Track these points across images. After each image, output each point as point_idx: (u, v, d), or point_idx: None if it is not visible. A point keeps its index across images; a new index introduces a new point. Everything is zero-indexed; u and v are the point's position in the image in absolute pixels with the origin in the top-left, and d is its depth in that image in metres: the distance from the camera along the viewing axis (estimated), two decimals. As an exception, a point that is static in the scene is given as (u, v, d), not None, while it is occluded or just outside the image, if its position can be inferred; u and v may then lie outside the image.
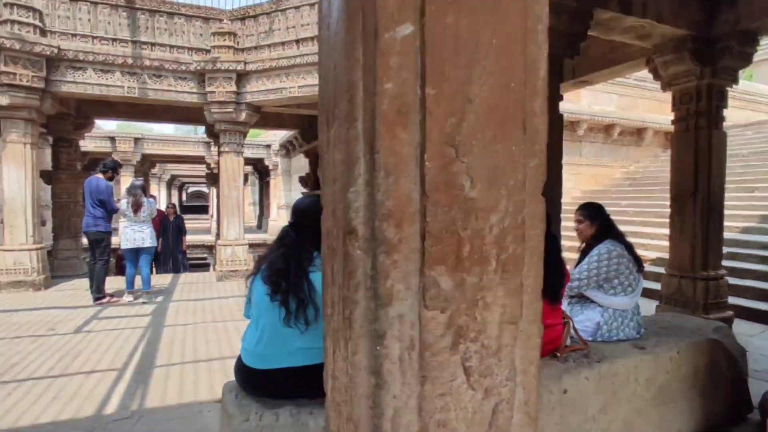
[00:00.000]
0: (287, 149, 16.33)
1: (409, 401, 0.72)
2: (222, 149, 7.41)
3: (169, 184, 29.46)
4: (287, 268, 1.67)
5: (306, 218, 1.80)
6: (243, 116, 7.23)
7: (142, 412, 2.82)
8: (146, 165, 17.95)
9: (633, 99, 12.21)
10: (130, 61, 6.83)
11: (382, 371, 0.72)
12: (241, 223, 7.46)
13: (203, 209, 36.22)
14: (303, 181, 10.04)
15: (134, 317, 5.07)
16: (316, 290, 1.64)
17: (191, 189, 42.28)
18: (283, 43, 6.86)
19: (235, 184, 7.37)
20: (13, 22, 6.13)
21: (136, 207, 5.72)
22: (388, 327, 0.71)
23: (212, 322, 4.85)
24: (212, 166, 15.96)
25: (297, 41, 6.77)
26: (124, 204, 5.78)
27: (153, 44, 7.02)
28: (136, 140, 15.38)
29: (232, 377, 3.36)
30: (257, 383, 1.70)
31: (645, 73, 10.96)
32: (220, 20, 7.23)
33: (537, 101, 0.79)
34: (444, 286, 0.72)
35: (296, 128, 10.15)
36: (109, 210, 5.78)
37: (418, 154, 0.71)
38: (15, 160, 6.41)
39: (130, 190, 5.86)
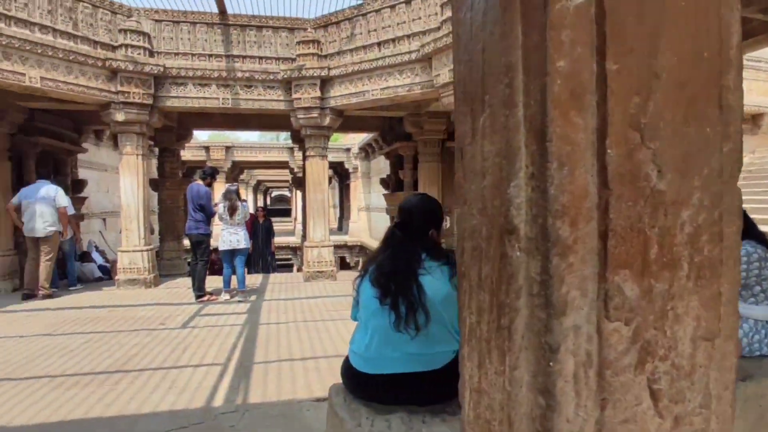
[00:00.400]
0: (366, 152, 16.59)
1: (585, 427, 0.62)
2: (307, 153, 7.66)
3: (255, 189, 31.21)
4: (396, 271, 1.62)
5: (413, 218, 1.75)
6: (327, 121, 7.41)
7: (246, 407, 2.94)
8: (236, 171, 19.14)
9: (746, 82, 10.90)
10: (224, 74, 7.27)
11: (553, 391, 0.63)
12: (326, 225, 7.65)
13: (286, 212, 37.95)
14: (384, 182, 10.10)
15: (232, 315, 5.37)
16: (426, 294, 1.58)
17: (274, 193, 44.55)
18: (364, 47, 6.94)
19: (320, 187, 7.58)
20: (127, 46, 6.77)
21: (232, 211, 6.06)
22: (561, 340, 0.62)
23: (303, 322, 5.00)
24: (295, 170, 16.64)
25: (378, 44, 6.82)
26: (221, 208, 6.14)
27: (244, 57, 7.42)
28: (227, 148, 16.44)
29: (326, 376, 3.44)
30: (366, 387, 1.67)
31: (761, 53, 9.73)
32: (305, 29, 7.49)
33: (731, 73, 0.66)
34: (629, 294, 0.62)
35: (377, 131, 10.26)
36: (208, 214, 6.19)
37: (595, 141, 0.61)
38: (129, 170, 7.08)
39: (226, 195, 6.22)
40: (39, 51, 5.94)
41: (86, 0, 6.53)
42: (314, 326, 4.80)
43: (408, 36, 6.55)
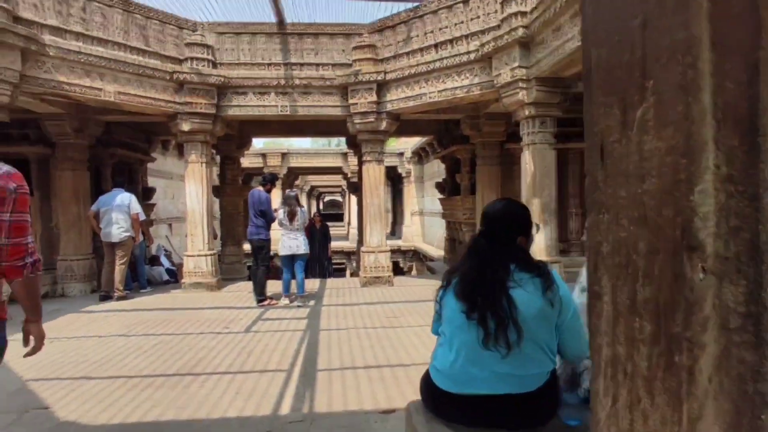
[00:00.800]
0: (420, 156, 16.48)
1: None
2: (364, 158, 7.65)
3: (309, 195, 31.88)
4: (483, 282, 1.50)
5: (499, 225, 1.62)
6: (383, 125, 7.38)
7: (312, 416, 2.90)
8: (291, 177, 19.60)
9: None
10: (282, 82, 7.42)
11: (765, 453, 0.49)
12: (383, 230, 7.60)
13: (338, 217, 38.53)
14: (440, 186, 9.94)
15: (292, 320, 5.41)
16: (517, 309, 1.45)
17: (327, 198, 45.36)
18: (421, 49, 6.85)
19: (377, 191, 7.54)
20: (192, 59, 7.06)
21: (291, 216, 6.14)
22: (778, 389, 0.48)
23: (363, 328, 4.94)
24: (349, 175, 16.79)
25: (435, 45, 6.70)
26: (281, 213, 6.24)
27: (301, 64, 7.54)
28: (283, 155, 16.86)
29: (391, 387, 3.35)
30: (450, 407, 1.56)
31: None
32: (360, 34, 7.50)
33: None
34: None
35: (432, 134, 10.13)
36: (268, 219, 6.30)
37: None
38: (194, 178, 7.36)
39: (286, 201, 6.32)
40: (114, 67, 6.30)
41: (156, 17, 6.87)
42: (375, 333, 4.73)
43: (466, 36, 6.39)
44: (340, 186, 29.65)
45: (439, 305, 1.64)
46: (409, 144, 16.88)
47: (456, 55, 6.39)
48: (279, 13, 7.21)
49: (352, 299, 6.57)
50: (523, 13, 5.57)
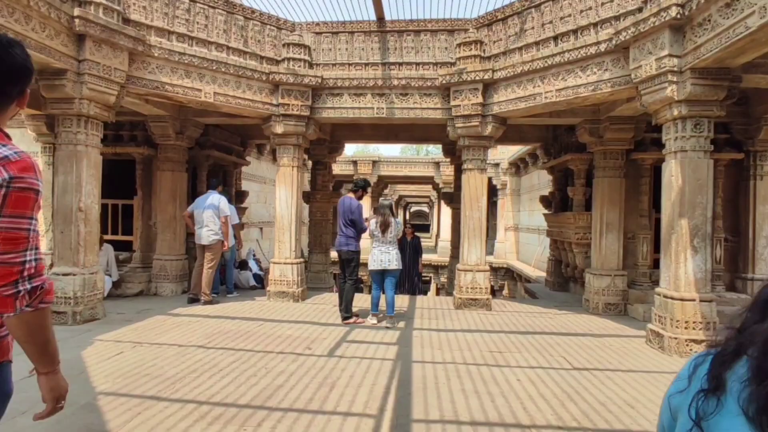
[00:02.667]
0: (517, 167, 15.32)
1: None
2: (465, 166, 6.89)
3: (397, 204, 31.61)
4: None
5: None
6: (489, 129, 6.58)
7: (408, 493, 2.21)
8: (381, 186, 19.31)
9: None
10: (380, 82, 6.93)
11: None
12: (482, 247, 6.77)
13: (424, 228, 37.96)
14: (546, 201, 8.85)
15: (381, 345, 4.79)
16: None
17: (413, 208, 45.01)
18: (537, 43, 5.97)
19: (478, 204, 6.74)
20: (289, 59, 6.82)
21: (384, 227, 5.57)
22: None
23: (464, 364, 4.17)
24: (441, 185, 16.07)
25: (555, 38, 5.79)
26: (372, 224, 5.70)
27: (400, 64, 7.01)
28: (374, 163, 16.59)
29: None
30: None
31: None
32: (465, 30, 6.80)
33: None
34: None
35: (537, 142, 9.10)
36: (359, 229, 5.79)
37: None
38: (285, 182, 7.10)
39: (379, 210, 5.76)
40: (214, 68, 6.22)
41: (257, 18, 6.73)
42: (478, 373, 3.94)
43: (595, 24, 5.42)
44: (428, 196, 29.03)
45: (690, 415, 0.84)
46: (505, 154, 15.78)
47: (582, 47, 5.43)
48: (380, 9, 6.74)
49: (446, 324, 5.81)
50: (676, -10, 4.51)
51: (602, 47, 5.26)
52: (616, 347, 4.88)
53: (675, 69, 4.54)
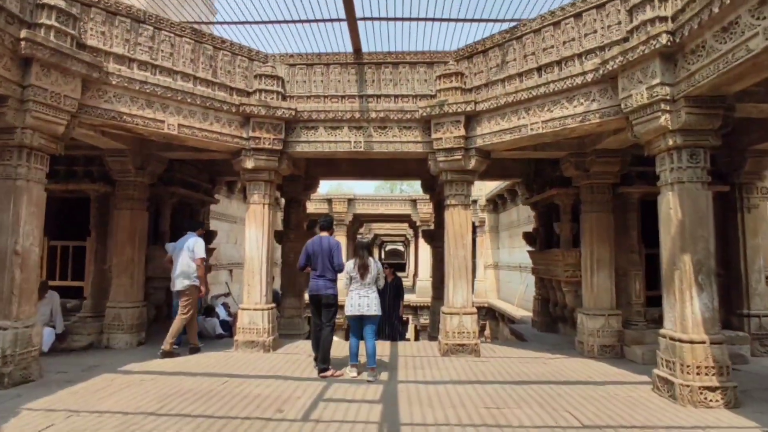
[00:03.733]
0: (495, 204, 15.18)
1: None
2: (448, 202, 6.54)
3: (372, 243, 31.12)
4: None
5: None
6: (472, 163, 6.28)
7: None
8: (356, 224, 18.86)
9: None
10: (357, 115, 6.62)
11: None
12: (469, 288, 6.34)
13: (400, 267, 37.41)
14: (530, 237, 8.55)
15: (363, 403, 4.20)
16: None
17: (389, 247, 44.57)
18: (520, 74, 5.79)
19: (463, 242, 6.35)
20: (261, 91, 6.46)
21: (363, 269, 5.09)
22: None
23: (459, 426, 3.63)
24: (418, 223, 15.74)
25: (538, 69, 5.62)
26: (350, 265, 5.22)
27: (378, 96, 6.73)
28: (349, 201, 16.19)
29: None
30: None
31: None
32: (445, 62, 6.61)
33: None
34: None
35: (520, 176, 8.89)
36: (337, 270, 5.31)
37: None
38: (255, 221, 6.58)
39: (357, 250, 5.31)
40: (179, 98, 5.78)
41: (227, 48, 6.38)
42: (477, 438, 3.40)
43: (579, 55, 5.27)
44: (404, 235, 28.70)
45: None
46: (483, 191, 15.66)
47: (567, 78, 5.25)
48: (356, 40, 6.50)
49: (434, 374, 5.26)
50: (663, 18, 4.39)
51: (588, 77, 5.08)
52: (623, 397, 4.42)
53: (668, 98, 4.35)
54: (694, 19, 3.92)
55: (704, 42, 3.94)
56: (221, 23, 7.25)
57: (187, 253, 6.25)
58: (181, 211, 8.03)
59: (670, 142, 4.42)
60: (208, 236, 8.90)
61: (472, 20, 6.23)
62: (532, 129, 5.63)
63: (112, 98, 5.36)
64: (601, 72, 4.91)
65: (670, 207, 4.47)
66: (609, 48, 4.99)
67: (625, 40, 4.81)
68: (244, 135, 6.44)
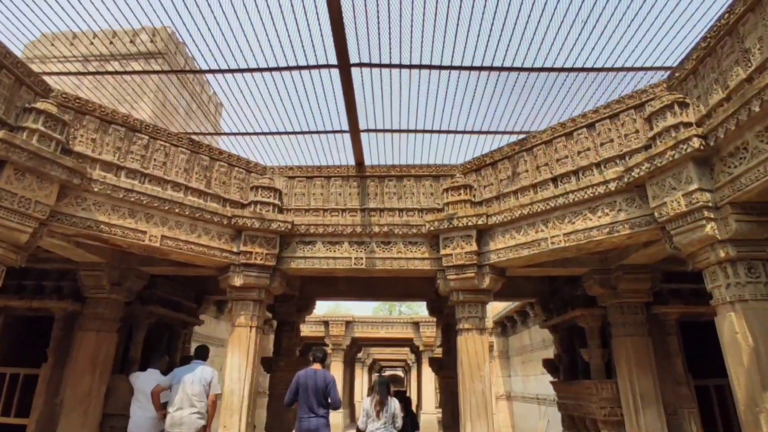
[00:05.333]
0: (504, 327, 14.16)
1: None
2: (460, 326, 5.74)
3: (371, 369, 29.01)
4: None
5: None
6: (486, 281, 5.63)
7: None
8: (354, 349, 17.50)
9: None
10: (358, 229, 6.14)
11: None
12: (490, 429, 5.23)
13: (399, 395, 34.39)
14: (551, 365, 7.54)
15: None
16: None
17: (387, 373, 41.74)
18: (533, 185, 5.44)
19: (480, 373, 5.42)
20: (256, 203, 6.08)
21: (380, 407, 4.27)
22: None
23: None
24: (422, 348, 14.52)
25: (553, 179, 5.28)
26: (367, 403, 4.37)
27: (382, 210, 6.33)
28: (347, 323, 15.15)
29: None
30: None
31: None
32: (452, 176, 6.33)
33: None
34: None
35: (534, 296, 8.16)
36: (334, 407, 4.41)
37: None
38: (240, 346, 5.72)
39: (375, 387, 4.54)
40: (166, 208, 5.33)
41: (224, 159, 6.14)
42: None
43: (596, 164, 4.96)
44: (404, 360, 26.84)
45: None
46: (490, 312, 14.73)
47: (586, 187, 4.86)
48: (359, 153, 6.30)
49: None
50: (687, 124, 4.13)
51: (611, 186, 4.69)
52: None
53: (710, 204, 3.87)
54: (729, 120, 3.61)
55: (745, 143, 3.57)
56: (221, 134, 7.17)
57: (201, 386, 5.39)
58: (158, 333, 7.13)
59: (722, 254, 3.84)
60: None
61: (480, 132, 6.10)
62: (552, 243, 5.09)
63: (92, 206, 4.90)
64: (625, 180, 4.51)
65: (736, 331, 3.73)
66: (629, 156, 4.68)
67: (647, 147, 4.51)
68: (234, 249, 5.88)
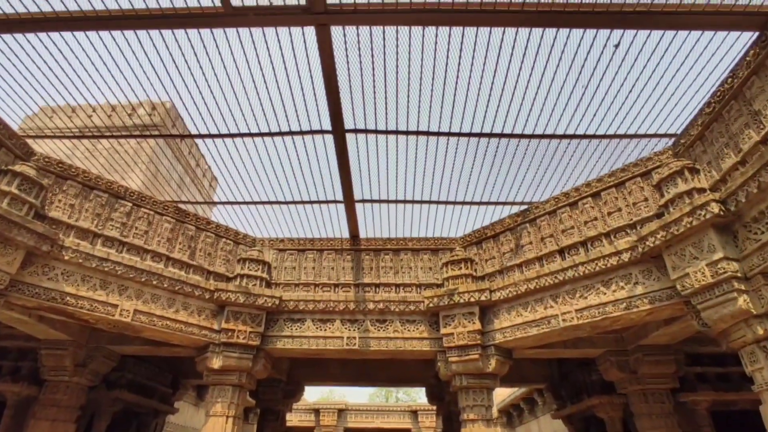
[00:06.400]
0: (509, 416, 13.01)
1: None
2: (465, 416, 5.08)
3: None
4: None
5: None
6: (492, 364, 5.07)
7: None
8: (346, 443, 15.96)
9: None
10: (352, 306, 5.68)
11: None
12: None
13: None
14: (568, 465, 6.66)
15: None
16: None
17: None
18: (539, 258, 5.09)
19: (490, 473, 4.67)
20: (243, 276, 5.68)
21: None
22: None
23: None
24: (420, 442, 13.23)
25: (560, 251, 4.95)
26: None
27: (377, 285, 5.91)
28: (340, 412, 13.95)
29: None
30: None
31: None
32: (452, 249, 6.01)
33: None
34: None
35: (542, 381, 7.45)
36: None
37: None
38: (212, 440, 4.99)
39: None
40: (143, 279, 4.92)
41: (211, 229, 5.83)
42: None
43: (605, 234, 4.66)
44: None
45: None
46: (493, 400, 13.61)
47: (597, 259, 4.51)
48: (354, 226, 6.02)
49: None
50: (700, 190, 3.89)
51: (624, 257, 4.34)
52: None
53: (739, 275, 3.50)
54: (750, 183, 3.36)
55: (772, 208, 3.29)
56: (210, 203, 6.91)
57: None
58: (125, 422, 6.34)
59: (759, 331, 3.40)
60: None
61: (479, 203, 5.85)
62: (564, 320, 4.63)
63: (59, 275, 4.48)
64: (640, 250, 4.18)
65: (790, 425, 3.18)
66: (640, 225, 4.40)
67: (659, 215, 4.24)
68: (215, 326, 5.37)
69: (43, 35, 3.96)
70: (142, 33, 3.86)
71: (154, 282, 4.99)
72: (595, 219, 4.80)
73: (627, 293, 4.29)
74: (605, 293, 4.43)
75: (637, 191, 4.59)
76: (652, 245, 4.04)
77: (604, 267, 4.46)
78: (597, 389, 5.87)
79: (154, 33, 3.86)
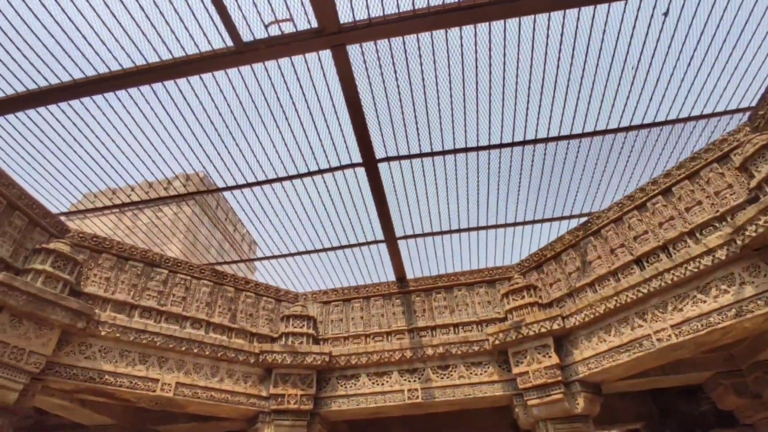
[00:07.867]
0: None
1: None
2: (562, 469, 4.28)
3: None
4: None
5: None
6: (580, 403, 4.33)
7: None
8: None
9: None
10: (408, 354, 5.13)
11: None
12: None
13: None
14: None
15: None
16: None
17: None
18: (612, 272, 4.45)
19: None
20: (288, 334, 5.28)
21: None
22: None
23: None
24: None
25: (637, 260, 4.31)
26: None
27: (433, 327, 5.37)
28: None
29: None
30: None
31: None
32: (509, 278, 5.44)
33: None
34: None
35: (637, 420, 6.39)
36: None
37: None
38: None
39: None
40: (184, 348, 4.60)
41: (250, 289, 5.54)
42: None
43: (688, 233, 4.02)
44: None
45: None
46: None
47: (686, 262, 3.85)
48: (399, 266, 5.59)
49: None
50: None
51: (720, 254, 3.68)
52: None
53: None
54: None
55: None
56: (249, 260, 6.67)
57: None
58: None
59: None
60: None
61: (533, 222, 5.32)
62: (658, 340, 3.92)
63: (96, 353, 4.22)
64: (738, 243, 3.52)
65: None
66: (731, 215, 3.76)
67: (752, 201, 3.60)
68: (264, 393, 4.92)
69: (71, 113, 3.96)
70: (161, 92, 3.79)
71: (195, 350, 4.66)
72: (672, 218, 4.18)
73: (733, 297, 3.58)
74: (705, 301, 3.73)
75: (717, 178, 3.98)
76: (754, 234, 3.39)
77: (696, 270, 3.79)
78: (712, 422, 4.92)
79: (172, 88, 3.78)
